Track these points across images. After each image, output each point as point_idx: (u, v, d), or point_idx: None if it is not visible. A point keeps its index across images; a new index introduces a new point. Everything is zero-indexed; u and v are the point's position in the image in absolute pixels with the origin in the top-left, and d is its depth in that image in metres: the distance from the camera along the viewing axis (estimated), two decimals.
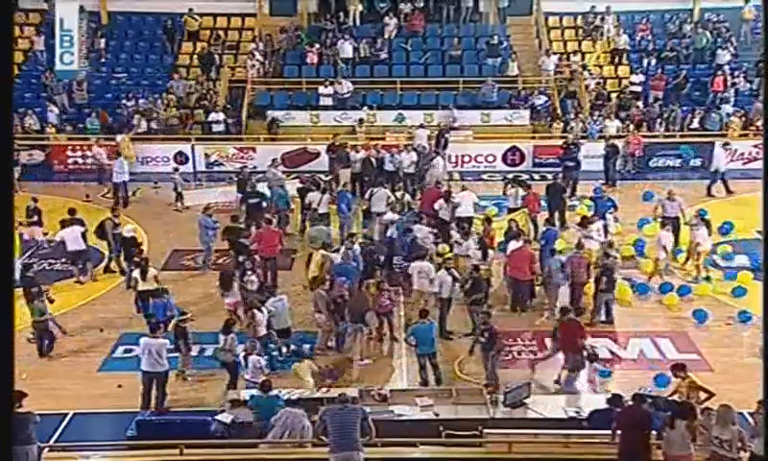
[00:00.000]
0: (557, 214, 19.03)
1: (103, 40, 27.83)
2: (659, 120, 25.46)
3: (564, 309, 13.33)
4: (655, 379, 12.74)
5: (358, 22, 28.37)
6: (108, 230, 17.01)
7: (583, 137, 23.78)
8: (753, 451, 9.24)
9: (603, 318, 15.02)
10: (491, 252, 16.21)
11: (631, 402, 10.17)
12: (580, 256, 15.33)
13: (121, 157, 21.71)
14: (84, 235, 17.01)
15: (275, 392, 11.01)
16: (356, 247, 15.65)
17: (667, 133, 25.12)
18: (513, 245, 15.75)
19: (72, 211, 17.64)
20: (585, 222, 16.79)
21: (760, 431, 9.41)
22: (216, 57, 27.44)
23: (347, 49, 27.01)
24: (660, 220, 17.65)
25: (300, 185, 19.67)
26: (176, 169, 22.49)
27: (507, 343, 13.97)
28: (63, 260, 17.45)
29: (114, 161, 21.69)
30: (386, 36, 27.72)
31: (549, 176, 22.01)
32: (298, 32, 28.04)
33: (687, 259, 17.25)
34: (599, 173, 22.74)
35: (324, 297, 13.93)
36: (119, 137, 23.74)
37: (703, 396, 10.89)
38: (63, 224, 17.22)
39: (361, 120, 25.08)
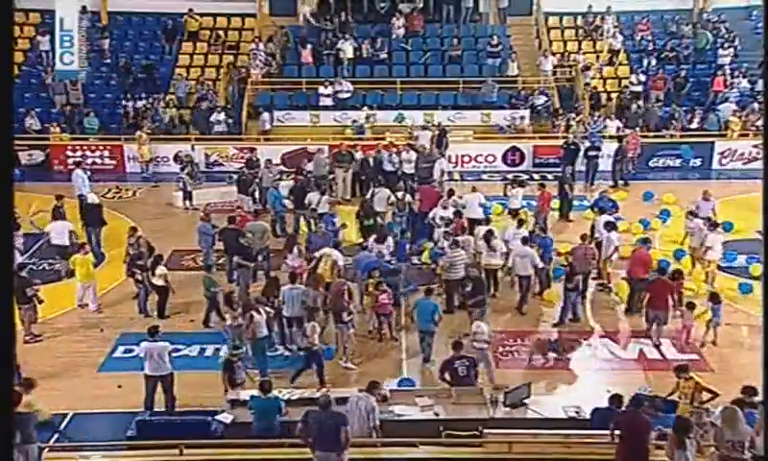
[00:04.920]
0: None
1: (104, 41, 27.78)
2: (659, 120, 25.44)
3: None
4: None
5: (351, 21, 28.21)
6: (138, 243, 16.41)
7: (584, 137, 23.76)
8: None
9: (570, 316, 15.09)
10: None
11: (630, 405, 10.03)
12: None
13: (78, 170, 20.74)
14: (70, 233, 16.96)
15: (274, 392, 11.01)
16: (389, 242, 15.84)
17: (667, 133, 25.13)
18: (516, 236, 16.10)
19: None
20: (610, 224, 16.60)
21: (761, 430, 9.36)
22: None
23: (347, 49, 27.03)
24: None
25: (295, 185, 19.63)
26: (182, 168, 22.13)
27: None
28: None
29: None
30: (393, 37, 27.72)
31: (549, 176, 22.03)
32: (284, 29, 28.07)
33: (694, 264, 16.83)
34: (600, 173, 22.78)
35: (323, 297, 13.88)
36: (138, 133, 23.85)
37: (706, 396, 10.83)
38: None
39: (367, 117, 25.17)
